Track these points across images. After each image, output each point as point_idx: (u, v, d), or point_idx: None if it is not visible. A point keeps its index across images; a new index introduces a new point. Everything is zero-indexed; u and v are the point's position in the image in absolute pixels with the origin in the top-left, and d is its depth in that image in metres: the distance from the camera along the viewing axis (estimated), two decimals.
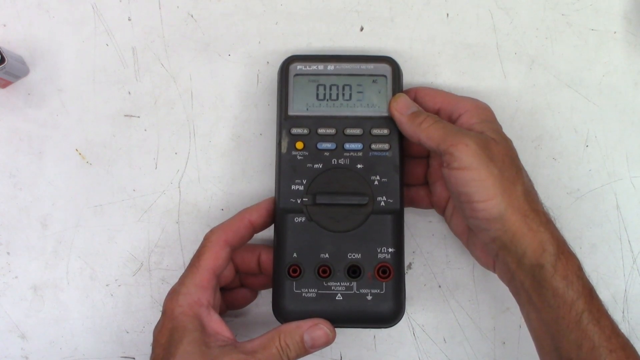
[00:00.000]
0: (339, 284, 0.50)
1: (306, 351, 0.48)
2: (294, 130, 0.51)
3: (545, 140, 0.57)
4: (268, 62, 0.56)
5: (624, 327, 0.57)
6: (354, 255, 0.50)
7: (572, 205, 0.57)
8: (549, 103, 0.57)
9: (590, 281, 0.47)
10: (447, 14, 0.57)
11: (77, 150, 0.56)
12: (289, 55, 0.53)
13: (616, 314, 0.57)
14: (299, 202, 0.50)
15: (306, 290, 0.50)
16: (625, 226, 0.57)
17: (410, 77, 0.56)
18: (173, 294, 0.48)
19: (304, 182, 0.51)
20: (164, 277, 0.56)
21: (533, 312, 0.47)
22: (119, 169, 0.56)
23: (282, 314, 0.50)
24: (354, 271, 0.50)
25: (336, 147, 0.51)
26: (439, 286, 0.57)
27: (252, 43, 0.56)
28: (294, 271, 0.50)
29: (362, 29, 0.56)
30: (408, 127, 0.49)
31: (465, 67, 0.57)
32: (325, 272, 0.50)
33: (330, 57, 0.53)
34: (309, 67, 0.52)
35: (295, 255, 0.50)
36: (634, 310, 0.57)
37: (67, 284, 0.56)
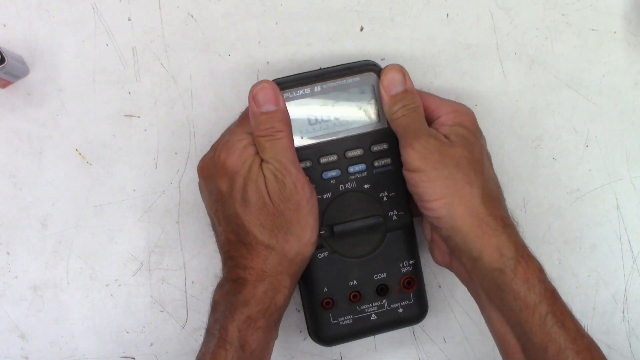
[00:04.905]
0: (370, 305, 0.52)
1: None
2: None
3: (545, 140, 0.57)
4: (268, 62, 0.56)
5: (624, 327, 0.57)
6: (379, 276, 0.52)
7: (572, 205, 0.57)
8: (549, 103, 0.57)
9: (553, 283, 0.47)
10: (447, 14, 0.57)
11: (77, 150, 0.56)
12: (288, 56, 0.53)
13: (616, 314, 0.57)
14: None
15: (342, 318, 0.52)
16: (625, 226, 0.57)
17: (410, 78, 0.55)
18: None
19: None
20: (164, 277, 0.56)
21: (494, 312, 0.47)
22: (119, 169, 0.56)
23: (324, 340, 0.53)
24: (381, 289, 0.52)
25: (341, 173, 0.51)
26: (439, 286, 0.57)
27: (252, 43, 0.56)
28: (327, 304, 0.52)
29: (362, 29, 0.56)
30: (386, 108, 0.50)
31: (465, 67, 0.57)
32: (355, 297, 0.52)
33: (314, 76, 0.51)
34: (296, 92, 0.51)
35: (325, 289, 0.52)
36: (634, 310, 0.57)
37: (67, 284, 0.56)
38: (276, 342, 0.55)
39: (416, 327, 0.57)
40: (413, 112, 0.49)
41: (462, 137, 0.48)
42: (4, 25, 0.55)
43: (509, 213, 0.49)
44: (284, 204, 0.47)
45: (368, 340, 0.57)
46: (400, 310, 0.52)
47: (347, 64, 0.52)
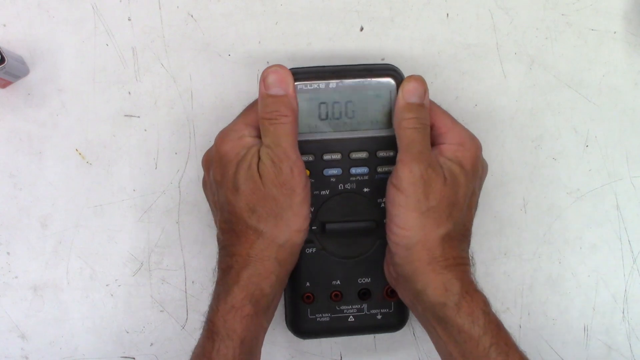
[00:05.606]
0: (350, 307, 0.52)
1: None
2: None
3: (545, 140, 0.57)
4: (268, 62, 0.56)
5: (624, 327, 0.57)
6: (364, 280, 0.52)
7: (572, 205, 0.57)
8: (549, 103, 0.57)
9: (498, 317, 0.47)
10: (447, 14, 0.57)
11: (77, 150, 0.56)
12: (288, 56, 0.53)
13: (616, 314, 0.57)
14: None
15: (320, 315, 0.52)
16: (625, 226, 0.57)
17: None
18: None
19: (312, 209, 0.50)
20: (164, 277, 0.56)
21: (440, 344, 0.48)
22: (119, 169, 0.56)
23: (299, 333, 0.53)
24: (364, 293, 0.52)
25: (342, 172, 0.51)
26: None
27: (252, 43, 0.56)
28: (308, 298, 0.52)
29: (362, 29, 0.56)
30: (398, 112, 0.48)
31: (465, 67, 0.57)
32: (337, 296, 0.52)
33: (332, 72, 0.50)
34: (310, 85, 0.50)
35: (308, 284, 0.52)
36: (634, 310, 0.57)
37: (67, 284, 0.56)
38: (276, 342, 0.55)
39: (416, 327, 0.57)
40: (423, 129, 0.48)
41: (454, 177, 0.48)
42: (4, 25, 0.55)
43: (469, 252, 0.49)
44: (277, 189, 0.47)
45: (368, 340, 0.57)
46: (379, 316, 0.52)
47: (368, 64, 0.51)
